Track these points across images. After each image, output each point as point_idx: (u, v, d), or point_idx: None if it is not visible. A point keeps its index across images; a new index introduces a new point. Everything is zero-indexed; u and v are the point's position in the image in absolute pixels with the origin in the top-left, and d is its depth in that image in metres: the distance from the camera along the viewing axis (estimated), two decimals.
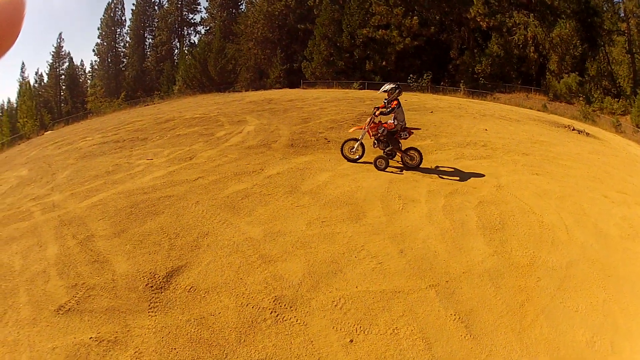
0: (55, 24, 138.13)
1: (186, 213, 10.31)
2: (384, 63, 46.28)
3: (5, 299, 7.93)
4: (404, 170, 12.37)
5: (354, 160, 13.15)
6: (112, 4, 78.96)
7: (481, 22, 45.50)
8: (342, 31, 47.57)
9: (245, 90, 48.02)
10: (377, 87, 40.38)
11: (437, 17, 48.57)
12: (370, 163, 12.61)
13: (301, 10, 54.30)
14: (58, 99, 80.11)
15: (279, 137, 16.17)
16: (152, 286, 7.51)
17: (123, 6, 79.81)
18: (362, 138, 12.92)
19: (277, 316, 6.60)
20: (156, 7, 79.13)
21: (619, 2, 45.66)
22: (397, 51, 46.41)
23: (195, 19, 76.85)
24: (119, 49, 79.62)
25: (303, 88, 43.67)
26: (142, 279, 7.73)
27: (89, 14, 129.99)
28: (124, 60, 78.85)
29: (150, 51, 77.34)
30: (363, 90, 39.09)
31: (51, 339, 6.50)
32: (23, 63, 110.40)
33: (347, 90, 38.71)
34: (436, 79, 44.62)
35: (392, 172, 12.21)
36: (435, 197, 10.21)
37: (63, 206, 12.17)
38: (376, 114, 12.52)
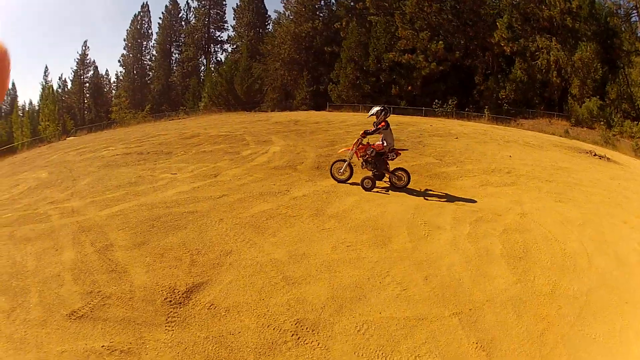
0: (80, 31, 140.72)
1: (209, 230, 10.22)
2: (409, 88, 46.33)
3: (15, 297, 7.96)
4: (425, 196, 12.33)
5: (343, 181, 13.49)
6: (139, 17, 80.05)
7: (505, 47, 45.54)
8: (368, 54, 47.88)
9: (271, 111, 48.33)
10: (403, 112, 40.67)
11: (462, 42, 48.57)
12: (382, 190, 12.68)
13: (328, 33, 54.78)
14: (82, 106, 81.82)
15: (305, 159, 16.19)
16: (170, 300, 7.45)
17: (150, 19, 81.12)
18: (350, 159, 13.34)
19: (298, 339, 6.47)
20: (183, 23, 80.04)
21: (636, 21, 45.83)
22: (423, 76, 46.50)
23: (222, 37, 77.89)
24: (145, 62, 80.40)
25: (329, 111, 43.83)
26: (160, 292, 7.67)
27: (113, 24, 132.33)
28: (150, 73, 79.88)
29: (176, 66, 78.18)
30: (390, 115, 39.04)
31: (60, 342, 6.48)
32: (46, 67, 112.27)
33: None
34: (461, 104, 44.52)
35: (417, 197, 12.21)
36: (460, 224, 10.18)
37: (82, 212, 12.15)
38: (364, 136, 12.93)
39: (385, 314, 6.93)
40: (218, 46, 78.50)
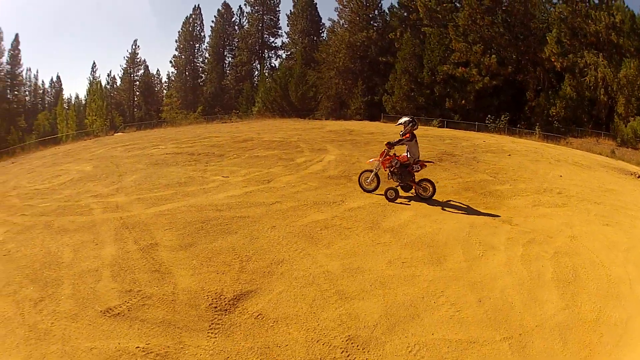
0: (129, 29, 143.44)
1: (261, 237, 10.06)
2: (463, 102, 46.00)
3: (45, 287, 7.97)
4: (480, 214, 12.22)
5: (370, 191, 13.69)
6: (191, 19, 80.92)
7: (555, 63, 44.77)
8: (422, 66, 47.61)
9: (325, 119, 48.40)
10: (456, 126, 40.49)
11: (514, 57, 48.05)
12: (438, 206, 12.71)
13: (382, 43, 54.74)
14: (131, 104, 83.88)
15: (360, 169, 15.53)
16: (216, 307, 7.28)
17: (202, 22, 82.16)
18: (377, 169, 13.53)
19: (348, 356, 6.29)
20: (236, 27, 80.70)
21: None
22: (476, 90, 46.14)
23: (275, 43, 78.02)
24: (198, 64, 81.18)
25: (383, 122, 43.56)
26: (206, 297, 7.54)
27: (163, 25, 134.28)
28: (202, 75, 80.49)
29: (229, 70, 78.77)
30: (442, 129, 38.82)
31: (90, 338, 6.43)
32: (94, 63, 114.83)
33: (426, 127, 38.15)
34: (512, 120, 44.01)
35: (472, 215, 12.16)
36: (513, 245, 10.09)
37: (127, 209, 12.20)
38: (389, 148, 13.20)
39: (438, 335, 6.82)
40: (272, 52, 79.31)
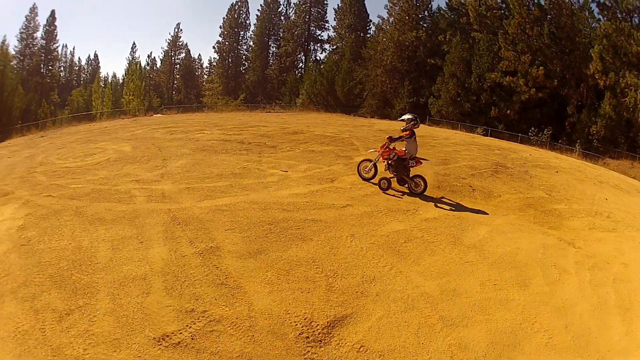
0: (171, 10, 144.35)
1: (341, 247, 9.26)
2: (508, 111, 45.75)
3: (74, 296, 6.87)
4: (547, 235, 12.23)
5: (367, 179, 14.72)
6: (236, 6, 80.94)
7: (599, 80, 44.15)
8: (470, 72, 47.20)
9: (370, 117, 48.04)
10: (500, 136, 40.40)
11: (558, 70, 47.70)
12: (509, 222, 12.74)
13: (431, 44, 54.16)
14: (171, 86, 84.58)
15: (423, 175, 15.21)
16: (307, 336, 6.44)
17: (247, 9, 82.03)
18: (376, 160, 14.50)
19: None
20: (282, 17, 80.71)
21: None
22: (522, 101, 45.64)
23: (322, 36, 77.70)
24: (241, 52, 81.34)
25: (428, 125, 43.32)
26: (292, 324, 6.64)
27: (207, 10, 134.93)
28: (245, 63, 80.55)
29: (273, 60, 78.77)
30: (487, 137, 38.44)
31: None
32: (134, 43, 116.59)
33: (472, 134, 38.17)
34: (553, 134, 43.88)
35: (541, 234, 12.12)
36: (582, 270, 10.10)
37: (176, 199, 11.30)
38: (393, 138, 14.08)
39: None
40: (318, 45, 78.92)
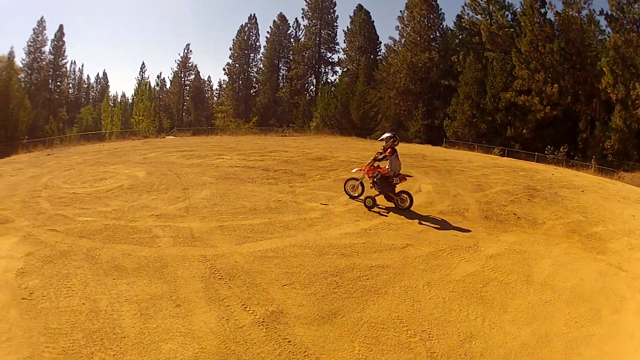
0: (180, 31, 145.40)
1: (422, 299, 8.26)
2: (523, 130, 45.76)
3: None
4: (597, 261, 12.03)
5: (354, 197, 15.22)
6: (246, 28, 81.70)
7: (611, 94, 44.30)
8: (485, 92, 47.51)
9: None
10: (516, 155, 40.34)
11: (569, 86, 47.71)
12: (555, 250, 12.59)
13: (444, 65, 54.58)
14: (181, 107, 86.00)
15: (466, 205, 15.49)
16: None
17: (257, 31, 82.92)
18: (362, 179, 15.11)
19: None
20: (291, 40, 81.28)
21: None
22: (537, 119, 45.84)
23: (332, 58, 78.13)
24: (251, 74, 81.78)
25: (445, 147, 43.56)
26: None
27: (216, 32, 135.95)
28: (256, 85, 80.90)
29: (284, 82, 79.27)
30: (506, 158, 38.35)
31: None
32: (143, 63, 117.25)
33: (491, 155, 38.14)
34: (567, 151, 43.83)
35: (593, 262, 11.91)
36: (635, 293, 9.96)
37: (209, 242, 9.94)
38: (377, 158, 14.46)
39: None
40: (328, 67, 79.32)
